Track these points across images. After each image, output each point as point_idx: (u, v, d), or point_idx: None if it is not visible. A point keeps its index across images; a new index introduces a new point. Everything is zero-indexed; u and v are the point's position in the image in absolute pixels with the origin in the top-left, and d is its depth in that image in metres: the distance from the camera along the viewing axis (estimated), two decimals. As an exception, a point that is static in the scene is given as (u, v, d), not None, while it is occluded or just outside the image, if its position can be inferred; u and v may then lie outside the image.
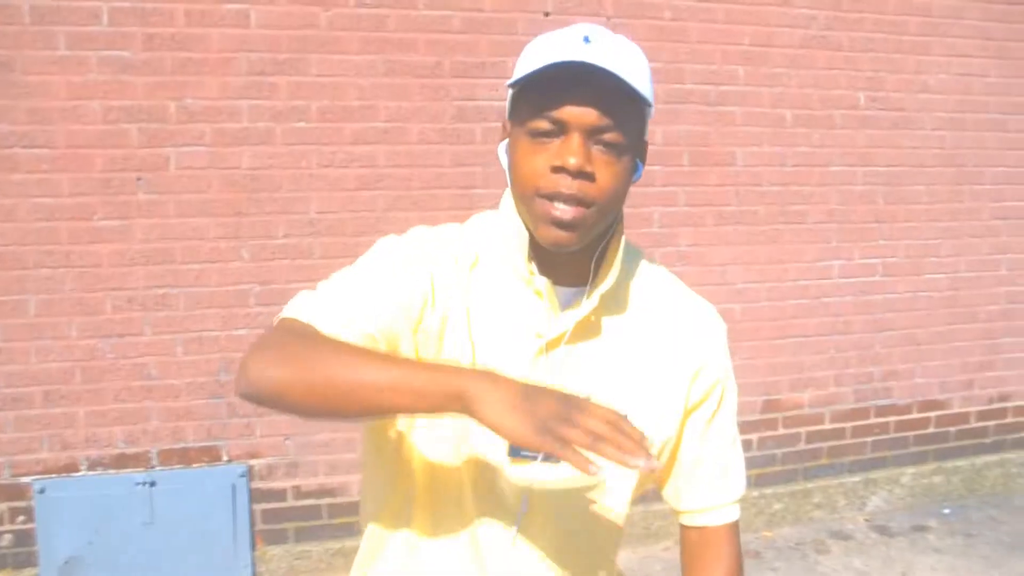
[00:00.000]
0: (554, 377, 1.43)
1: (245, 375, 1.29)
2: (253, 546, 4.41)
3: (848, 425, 5.40)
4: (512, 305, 1.48)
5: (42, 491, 4.15)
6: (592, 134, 1.35)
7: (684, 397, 1.55)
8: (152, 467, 4.27)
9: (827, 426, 5.35)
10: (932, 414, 5.61)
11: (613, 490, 1.53)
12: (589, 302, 1.46)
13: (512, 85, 1.41)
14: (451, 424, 1.40)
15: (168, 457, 4.29)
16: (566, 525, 1.51)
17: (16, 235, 4.04)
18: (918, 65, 5.30)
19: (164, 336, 4.23)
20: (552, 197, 1.36)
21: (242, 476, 4.35)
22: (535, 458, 1.41)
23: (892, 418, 5.52)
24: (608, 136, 1.35)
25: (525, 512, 1.47)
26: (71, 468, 4.20)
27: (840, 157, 5.20)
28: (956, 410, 5.67)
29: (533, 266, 1.47)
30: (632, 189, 4.67)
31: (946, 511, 5.53)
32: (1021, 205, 5.65)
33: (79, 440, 4.19)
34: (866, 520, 5.39)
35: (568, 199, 1.35)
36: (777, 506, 5.21)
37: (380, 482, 1.55)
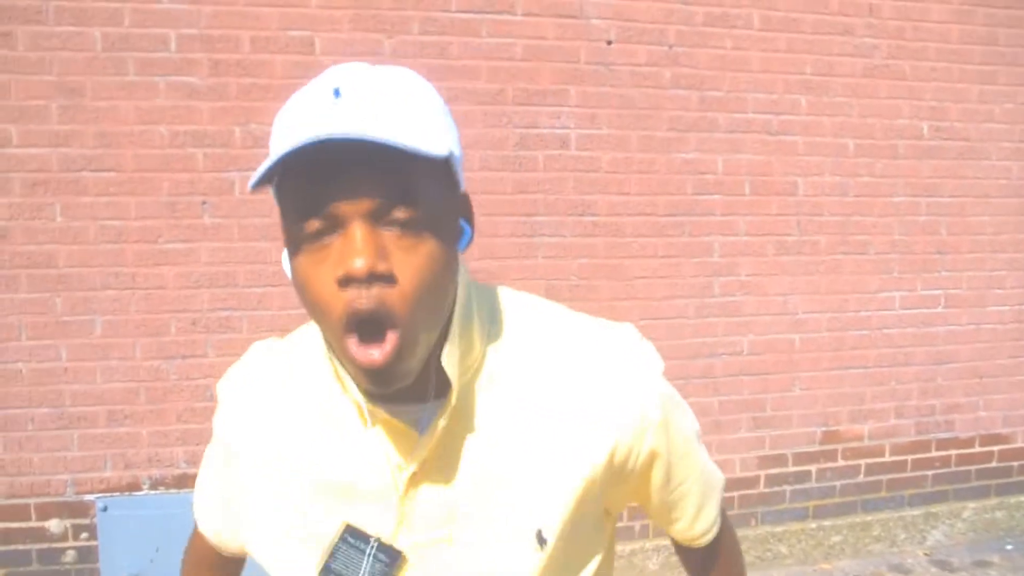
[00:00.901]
0: (440, 511, 1.20)
1: None
2: (310, 568, 4.43)
3: (909, 458, 5.34)
4: (361, 444, 1.21)
5: (105, 509, 4.21)
6: (377, 218, 1.03)
7: (606, 484, 1.24)
8: (212, 488, 4.31)
9: (887, 458, 5.29)
10: (995, 448, 5.53)
11: None
12: (439, 417, 1.16)
13: (259, 182, 1.05)
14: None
15: (228, 478, 4.33)
16: None
17: (83, 256, 4.11)
18: (983, 95, 5.25)
19: (227, 358, 4.25)
20: (351, 327, 1.04)
21: (300, 498, 4.38)
22: None
23: (954, 451, 5.44)
24: (399, 214, 1.03)
25: None
26: (134, 487, 4.25)
27: (903, 187, 5.16)
28: (1020, 444, 5.58)
29: (363, 400, 1.16)
30: (691, 219, 4.64)
31: (1009, 547, 5.43)
32: (1088, 237, 5.57)
33: (142, 459, 4.24)
34: (926, 554, 5.32)
35: (371, 325, 1.03)
36: (836, 538, 5.15)
37: None
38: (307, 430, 1.25)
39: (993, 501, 5.55)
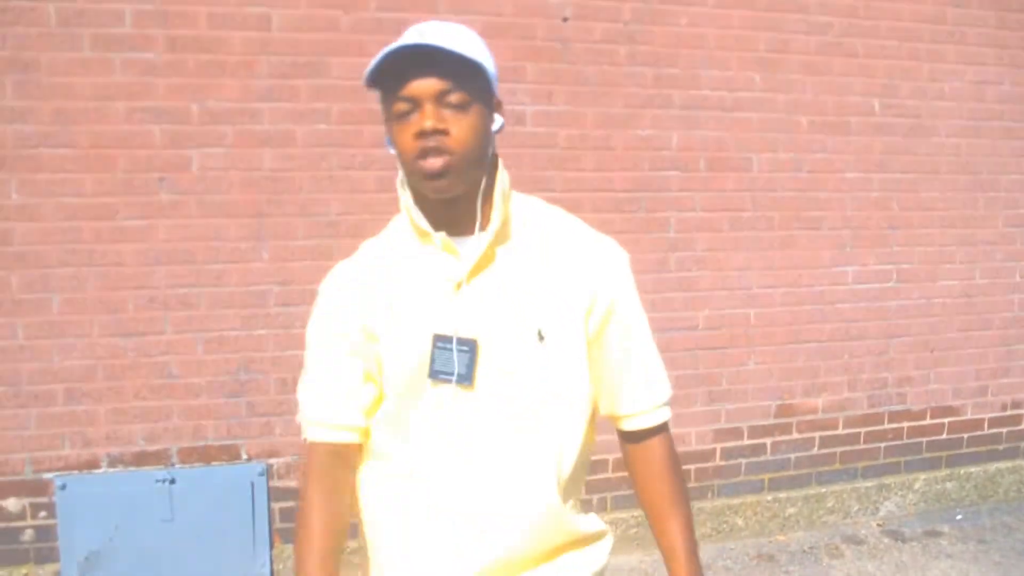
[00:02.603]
0: (468, 309, 1.74)
1: None
2: (271, 544, 4.45)
3: (862, 430, 5.42)
4: (423, 264, 1.78)
5: (63, 487, 4.20)
6: (438, 99, 1.65)
7: (584, 316, 1.80)
8: (172, 465, 4.32)
9: (841, 431, 5.37)
10: (945, 420, 5.63)
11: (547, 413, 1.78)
12: (485, 237, 1.74)
13: (366, 84, 1.69)
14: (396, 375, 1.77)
15: (188, 455, 4.33)
16: (492, 456, 1.77)
17: (40, 234, 4.09)
18: (932, 72, 5.33)
19: (185, 335, 4.28)
20: (422, 155, 1.65)
21: (261, 474, 4.39)
22: (450, 379, 1.73)
23: (905, 424, 5.53)
24: (452, 97, 1.65)
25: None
26: (92, 465, 4.24)
27: (855, 163, 5.23)
28: (969, 416, 5.68)
29: (427, 224, 1.75)
30: (648, 195, 4.73)
31: (959, 517, 5.54)
32: (1035, 213, 5.68)
33: (100, 437, 4.24)
34: (879, 525, 5.41)
35: (432, 151, 1.64)
36: (791, 510, 5.23)
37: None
38: (396, 275, 1.80)
39: (943, 472, 5.65)
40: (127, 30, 4.07)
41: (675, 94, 4.82)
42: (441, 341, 1.73)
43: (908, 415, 5.53)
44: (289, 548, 4.46)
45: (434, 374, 1.73)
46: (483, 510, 1.75)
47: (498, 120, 1.77)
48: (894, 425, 5.50)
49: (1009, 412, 5.77)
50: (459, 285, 1.74)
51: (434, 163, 1.64)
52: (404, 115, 1.67)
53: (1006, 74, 5.48)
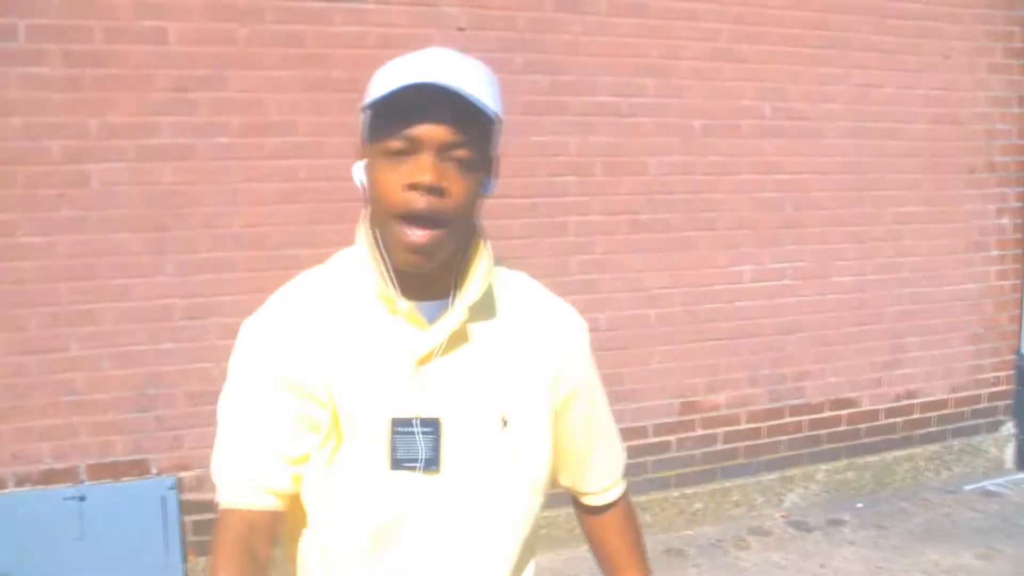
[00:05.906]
0: (430, 388, 1.52)
1: None
2: (184, 558, 4.43)
3: (763, 425, 5.57)
4: (382, 329, 1.54)
5: (-31, 508, 4.15)
6: (443, 151, 1.42)
7: (551, 396, 1.66)
8: (81, 482, 4.29)
9: (743, 426, 5.51)
10: (843, 412, 5.81)
11: (500, 506, 1.61)
12: (457, 315, 1.53)
13: (369, 107, 1.47)
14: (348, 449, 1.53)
15: (97, 471, 4.31)
16: (450, 541, 1.56)
17: (-62, 253, 4.06)
18: (819, 77, 5.51)
19: (90, 351, 4.26)
20: (406, 218, 1.42)
21: (171, 488, 4.38)
22: (416, 466, 1.52)
23: (805, 417, 5.70)
24: (459, 153, 1.43)
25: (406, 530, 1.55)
26: (-2, 485, 4.21)
27: (748, 166, 5.38)
28: (866, 408, 5.87)
29: (395, 291, 1.52)
30: (546, 200, 4.82)
31: (859, 505, 5.72)
32: (920, 210, 5.88)
33: (6, 456, 4.19)
34: (783, 516, 5.55)
35: (422, 220, 1.42)
36: (697, 505, 5.35)
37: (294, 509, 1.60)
38: (347, 334, 1.55)
39: (843, 463, 5.83)
40: (21, 45, 4.05)
41: (571, 101, 4.92)
42: (401, 425, 1.51)
43: (807, 408, 5.69)
44: (203, 561, 4.46)
45: (396, 464, 1.51)
46: None
47: (491, 183, 1.56)
48: (794, 418, 5.66)
49: (903, 402, 5.97)
50: (422, 361, 1.52)
51: (421, 237, 1.43)
52: (397, 154, 1.43)
53: (888, 77, 5.69)
